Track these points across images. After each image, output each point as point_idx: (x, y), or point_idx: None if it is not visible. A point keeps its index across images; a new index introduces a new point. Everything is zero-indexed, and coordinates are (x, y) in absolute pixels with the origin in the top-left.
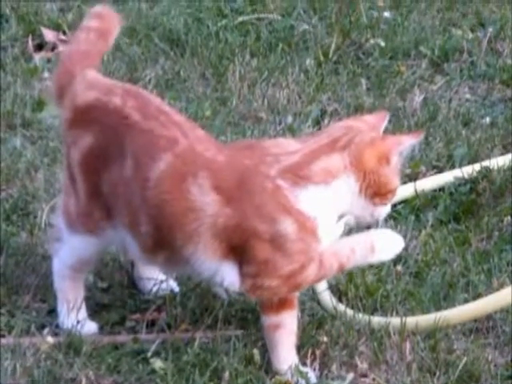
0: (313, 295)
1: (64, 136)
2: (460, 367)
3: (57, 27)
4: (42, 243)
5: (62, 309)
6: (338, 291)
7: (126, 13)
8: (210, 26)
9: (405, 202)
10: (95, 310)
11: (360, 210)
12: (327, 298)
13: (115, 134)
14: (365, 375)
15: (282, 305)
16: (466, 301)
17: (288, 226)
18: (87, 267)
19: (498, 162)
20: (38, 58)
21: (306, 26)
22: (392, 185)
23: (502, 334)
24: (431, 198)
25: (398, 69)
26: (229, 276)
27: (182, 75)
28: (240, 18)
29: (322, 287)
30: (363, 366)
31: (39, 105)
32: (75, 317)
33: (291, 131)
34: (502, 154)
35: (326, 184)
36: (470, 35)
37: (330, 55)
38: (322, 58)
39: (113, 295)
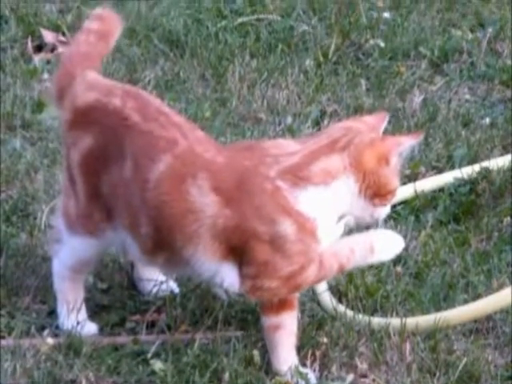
0: (313, 296)
1: (64, 137)
2: (460, 368)
3: (56, 28)
4: (42, 244)
5: (61, 310)
6: (337, 292)
7: (125, 14)
8: (210, 26)
9: (404, 202)
10: (95, 311)
11: (360, 210)
12: (327, 298)
13: (115, 135)
14: (365, 376)
15: (281, 306)
16: (465, 301)
17: (288, 227)
18: (87, 268)
19: (497, 162)
20: (37, 59)
21: (305, 27)
22: (392, 185)
23: (502, 335)
24: (431, 199)
25: (398, 69)
26: (229, 277)
27: (182, 76)
28: (239, 19)
29: (322, 288)
30: (363, 366)
31: (39, 106)
32: (75, 318)
33: (291, 132)
34: (502, 154)
35: (325, 185)
36: (470, 36)
37: (330, 56)
38: (321, 59)
39: (113, 296)
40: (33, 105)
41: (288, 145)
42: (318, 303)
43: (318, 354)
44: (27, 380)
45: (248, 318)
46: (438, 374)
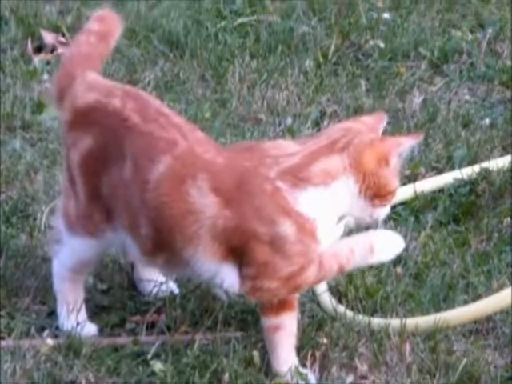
0: (313, 297)
1: (64, 138)
2: (460, 368)
3: (56, 29)
4: (42, 245)
5: (61, 311)
6: (337, 293)
7: (125, 14)
8: (210, 27)
9: (404, 203)
10: (95, 311)
11: (359, 211)
12: (327, 299)
13: (115, 135)
14: (365, 377)
15: (281, 306)
16: (465, 302)
17: (287, 228)
18: (87, 269)
19: (497, 163)
20: (37, 60)
21: (305, 28)
22: (391, 186)
23: (502, 336)
24: (431, 200)
25: (398, 70)
26: (228, 278)
27: (182, 77)
28: (239, 20)
29: (322, 289)
30: (363, 367)
31: (39, 107)
32: (75, 319)
33: (291, 133)
34: (502, 155)
35: (325, 186)
36: (470, 36)
37: (330, 56)
38: (321, 60)
39: (113, 297)
40: (33, 105)
41: (288, 146)
42: (318, 304)
43: (317, 354)
44: (27, 381)
45: (248, 319)
46: (437, 374)
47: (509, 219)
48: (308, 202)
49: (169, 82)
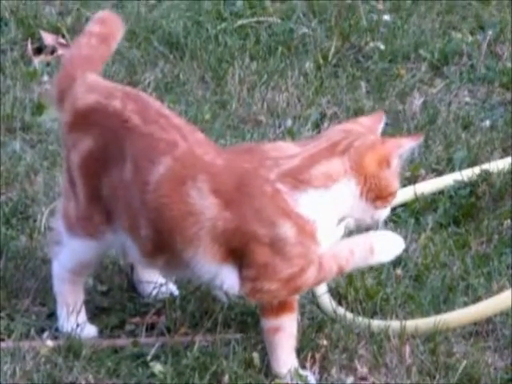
0: (312, 298)
1: (64, 139)
2: (460, 370)
3: (56, 31)
4: (42, 247)
5: (61, 312)
6: (337, 294)
7: (125, 16)
8: (210, 29)
9: (404, 205)
10: (95, 313)
11: (361, 212)
12: (327, 301)
13: (115, 137)
14: (364, 379)
15: (281, 308)
16: (465, 304)
17: (287, 230)
18: (87, 271)
19: (497, 165)
20: (37, 61)
21: (305, 30)
22: (393, 187)
23: (502, 338)
24: (431, 201)
25: (398, 72)
26: (228, 279)
27: (182, 78)
28: (239, 22)
29: (322, 290)
30: (363, 369)
31: (39, 108)
32: (75, 320)
33: (291, 134)
34: (502, 157)
35: (325, 188)
36: (470, 38)
37: (330, 58)
38: (321, 61)
39: (112, 298)
40: (32, 107)
41: (288, 147)
42: (318, 306)
43: (317, 356)
44: (27, 382)
45: (248, 321)
46: (437, 376)
47: (509, 221)
48: (308, 204)
49: (169, 84)
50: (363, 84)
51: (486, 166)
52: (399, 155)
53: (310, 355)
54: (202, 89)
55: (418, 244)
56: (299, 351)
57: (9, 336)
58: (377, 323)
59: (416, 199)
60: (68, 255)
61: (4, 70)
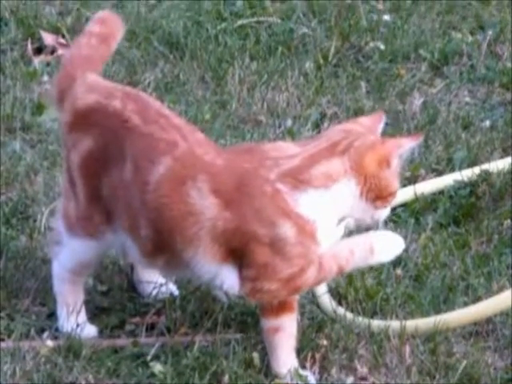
0: (312, 298)
1: (64, 139)
2: (460, 370)
3: (56, 31)
4: (42, 247)
5: (61, 312)
6: (337, 294)
7: (125, 16)
8: (210, 29)
9: (404, 205)
10: (95, 313)
11: (361, 212)
12: (327, 301)
13: (115, 137)
14: (364, 379)
15: (281, 308)
16: (465, 304)
17: (287, 230)
18: (87, 271)
19: (497, 165)
20: (37, 61)
21: (305, 30)
22: (393, 187)
23: (502, 338)
24: (431, 202)
25: (398, 72)
26: (228, 279)
27: (182, 78)
28: (239, 22)
29: (322, 290)
30: (363, 369)
31: (39, 108)
32: (75, 320)
33: (291, 134)
34: (502, 157)
35: (325, 188)
36: (470, 38)
37: (330, 58)
38: (321, 61)
39: (112, 298)
40: (32, 107)
41: (288, 147)
42: (318, 305)
43: (317, 356)
44: (27, 382)
45: (248, 321)
46: (437, 376)
47: (509, 221)
48: (308, 204)
49: (169, 84)
50: (363, 84)
51: (485, 166)
52: (399, 155)
53: (309, 355)
54: (202, 89)
55: (418, 244)
56: (299, 351)
57: (9, 336)
58: (377, 323)
59: (416, 199)
60: (68, 255)
61: (4, 70)
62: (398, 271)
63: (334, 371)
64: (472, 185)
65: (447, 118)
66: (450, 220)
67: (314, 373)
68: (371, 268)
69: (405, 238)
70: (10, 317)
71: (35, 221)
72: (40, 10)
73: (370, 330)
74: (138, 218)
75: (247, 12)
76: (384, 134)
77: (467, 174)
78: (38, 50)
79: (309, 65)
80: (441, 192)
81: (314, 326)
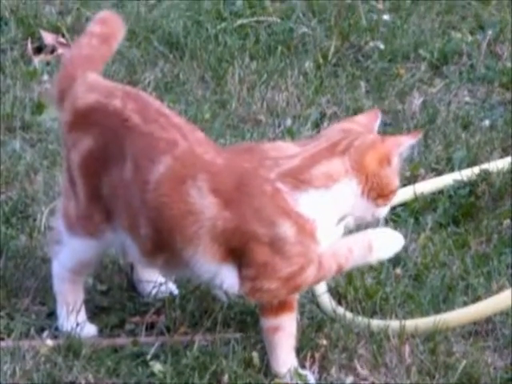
0: (312, 298)
1: (64, 139)
2: (459, 370)
3: (56, 30)
4: (42, 246)
5: (61, 311)
6: (337, 294)
7: (125, 15)
8: (209, 28)
9: (404, 204)
10: (95, 312)
11: (362, 211)
12: (326, 300)
13: (115, 136)
14: (364, 378)
15: (281, 307)
16: (465, 304)
17: (287, 229)
18: (87, 270)
19: (497, 164)
20: (37, 60)
21: (305, 29)
22: (394, 185)
23: (502, 337)
24: (430, 201)
25: (398, 72)
26: (228, 278)
27: (182, 78)
28: (239, 21)
29: (322, 290)
30: (362, 369)
31: (38, 107)
32: (75, 319)
33: (290, 134)
34: (502, 156)
35: (326, 188)
36: (470, 38)
37: (330, 58)
38: (321, 61)
39: (112, 298)
40: (32, 106)
41: (287, 147)
42: (318, 305)
43: (317, 356)
44: (26, 382)
45: (247, 320)
46: (437, 376)
47: (508, 221)
48: (308, 203)
49: (169, 83)
50: (363, 83)
51: (485, 166)
52: (399, 153)
53: (309, 355)
54: (201, 88)
55: (418, 243)
56: (299, 351)
57: (8, 335)
58: (376, 323)
59: (415, 199)
60: (68, 254)
61: (4, 70)
62: (398, 271)
63: (333, 371)
64: (471, 184)
65: (447, 118)
66: (449, 220)
67: (313, 372)
68: (371, 267)
69: (404, 237)
70: (9, 316)
71: (35, 220)
72: (40, 10)
73: (369, 330)
74: (138, 217)
75: (247, 12)
76: (384, 133)
77: (467, 173)
78: (38, 50)
79: (308, 64)
80: (440, 192)
81: (314, 325)
